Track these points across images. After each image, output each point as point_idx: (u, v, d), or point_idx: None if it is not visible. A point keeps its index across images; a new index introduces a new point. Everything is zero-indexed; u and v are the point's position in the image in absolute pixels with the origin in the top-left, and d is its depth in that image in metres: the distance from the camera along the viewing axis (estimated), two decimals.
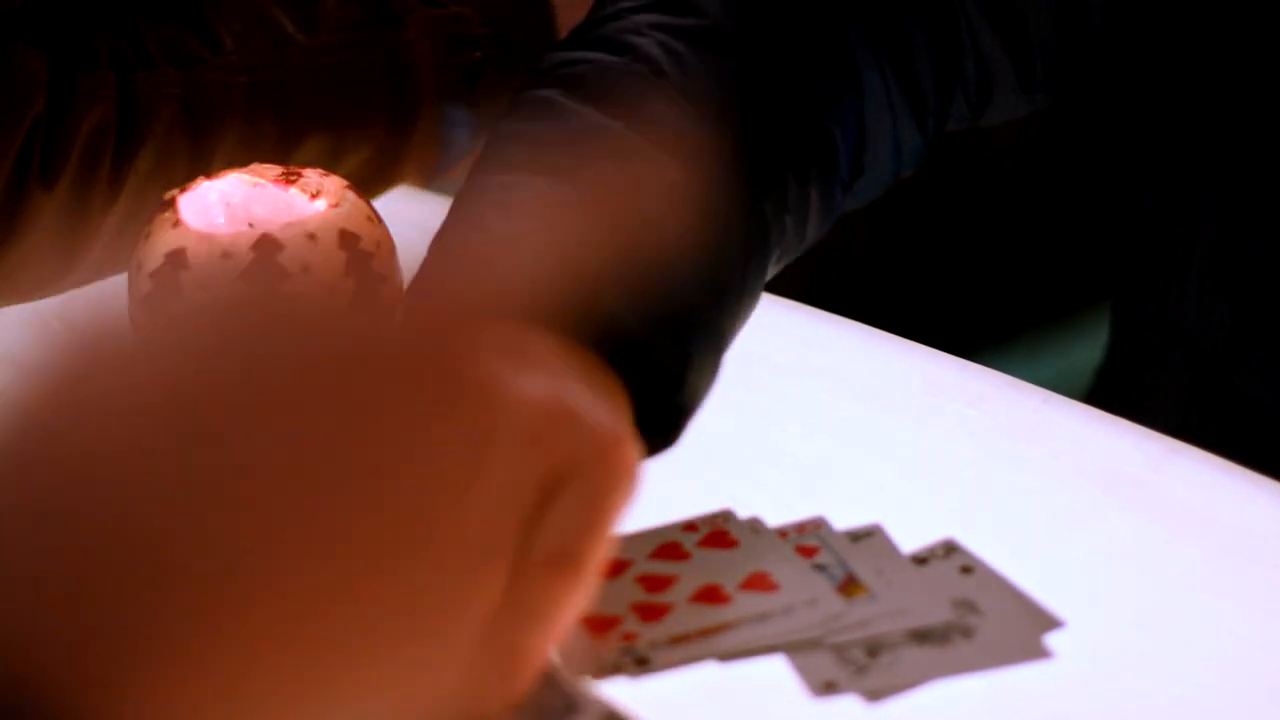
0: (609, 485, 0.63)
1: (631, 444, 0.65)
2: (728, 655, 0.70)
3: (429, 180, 0.98)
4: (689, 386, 0.72)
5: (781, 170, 0.79)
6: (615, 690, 0.69)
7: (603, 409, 0.66)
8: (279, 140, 0.93)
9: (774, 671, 0.70)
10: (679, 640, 0.71)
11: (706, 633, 0.71)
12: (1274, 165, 0.92)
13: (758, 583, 0.74)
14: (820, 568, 0.74)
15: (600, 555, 0.61)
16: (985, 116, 0.90)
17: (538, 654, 0.61)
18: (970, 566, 0.74)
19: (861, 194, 0.86)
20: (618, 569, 0.75)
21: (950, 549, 0.75)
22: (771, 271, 0.82)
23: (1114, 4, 0.88)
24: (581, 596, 0.60)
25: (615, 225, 0.72)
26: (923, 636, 0.71)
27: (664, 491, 0.78)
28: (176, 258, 0.81)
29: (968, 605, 0.72)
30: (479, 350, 0.64)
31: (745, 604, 0.72)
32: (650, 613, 0.73)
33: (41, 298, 0.92)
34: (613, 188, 0.73)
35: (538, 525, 0.61)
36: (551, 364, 0.66)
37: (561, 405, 0.64)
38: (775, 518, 0.77)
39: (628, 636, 0.71)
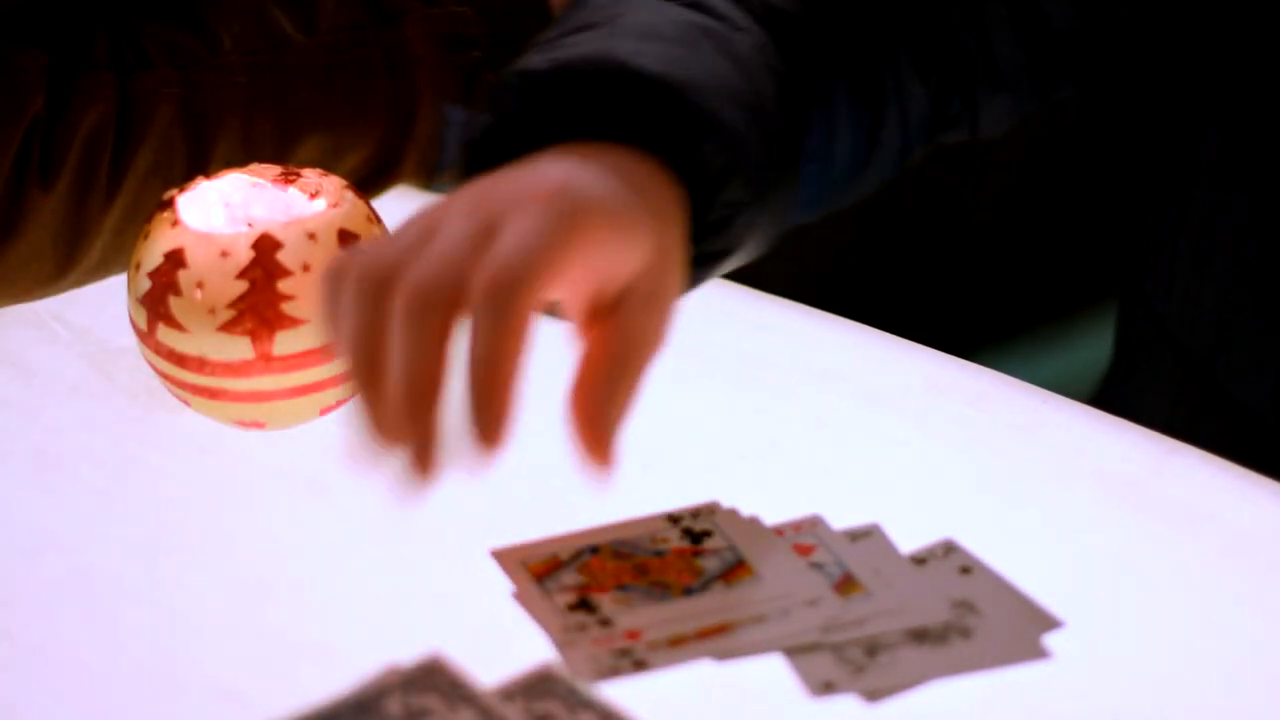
0: (555, 212, 0.64)
1: (653, 234, 0.65)
2: (725, 656, 0.70)
3: (428, 180, 0.98)
4: (731, 211, 0.72)
5: (862, 56, 0.81)
6: (615, 689, 0.69)
7: (639, 198, 0.66)
8: (278, 140, 0.93)
9: (773, 671, 0.70)
10: (677, 642, 0.71)
11: (704, 634, 0.71)
12: (1259, 165, 0.92)
13: (740, 572, 0.74)
14: (817, 566, 0.74)
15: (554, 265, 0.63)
16: (982, 115, 0.90)
17: (510, 366, 0.62)
18: (969, 566, 0.74)
19: (852, 191, 0.86)
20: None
21: (949, 549, 0.75)
22: (825, 186, 0.82)
23: (1075, 7, 0.88)
24: (536, 302, 0.63)
25: (681, 44, 0.73)
26: (921, 636, 0.71)
27: (664, 491, 0.78)
28: (175, 257, 0.81)
29: (966, 605, 0.72)
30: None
31: (741, 605, 0.72)
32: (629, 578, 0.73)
33: (41, 298, 0.92)
34: (651, 24, 0.74)
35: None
36: (615, 168, 0.66)
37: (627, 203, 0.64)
38: (774, 517, 0.77)
39: (631, 635, 0.71)
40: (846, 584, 0.73)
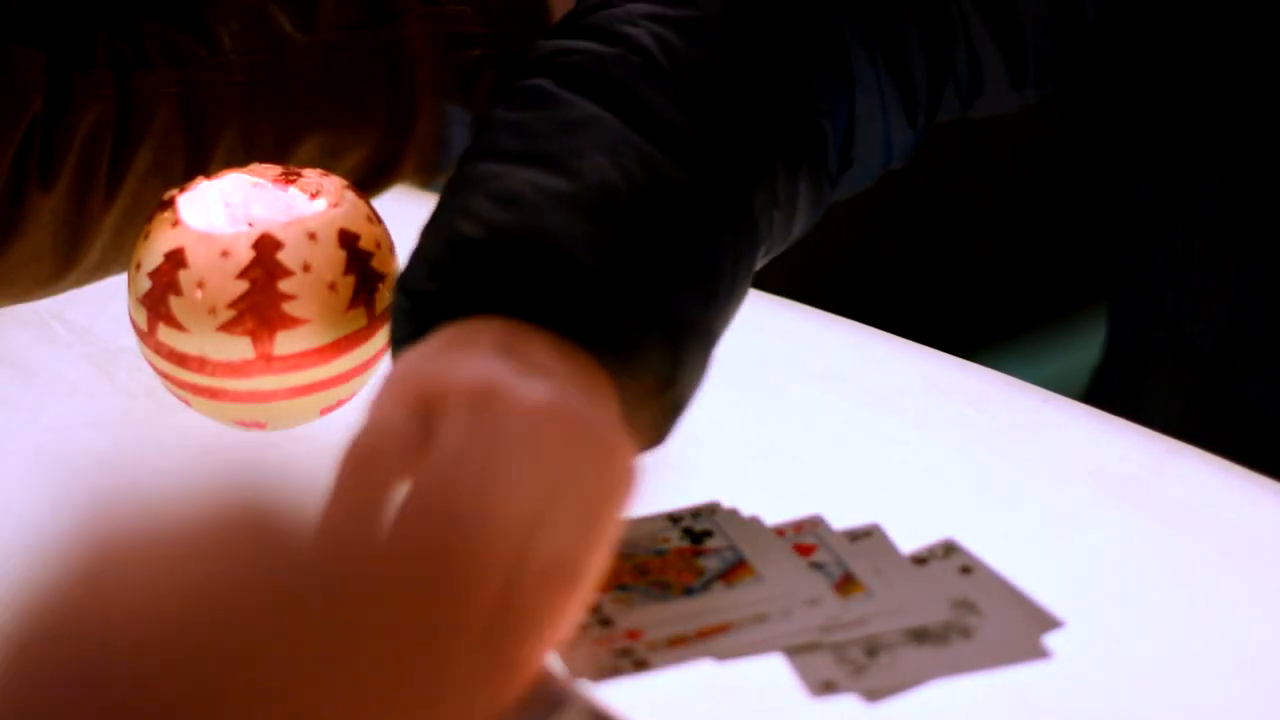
0: (607, 493, 0.64)
1: (630, 449, 0.65)
2: (725, 655, 0.70)
3: (428, 179, 0.98)
4: (679, 385, 0.72)
5: (771, 164, 0.79)
6: (613, 689, 0.69)
7: (600, 413, 0.66)
8: (277, 139, 0.93)
9: (773, 671, 0.70)
10: (677, 642, 0.71)
11: (704, 634, 0.71)
12: (1274, 165, 0.92)
13: (740, 571, 0.74)
14: (817, 566, 0.74)
15: (598, 565, 0.61)
16: (975, 109, 0.90)
17: (533, 663, 0.61)
18: (969, 566, 0.74)
19: (849, 187, 0.86)
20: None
21: (949, 549, 0.75)
22: (760, 263, 0.82)
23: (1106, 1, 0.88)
24: (578, 606, 0.61)
25: (603, 218, 0.72)
26: (921, 636, 0.71)
27: (663, 491, 0.78)
28: (176, 257, 0.81)
29: (967, 605, 0.72)
30: (481, 349, 0.64)
31: (741, 604, 0.72)
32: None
33: (41, 298, 0.92)
34: (603, 179, 0.73)
35: (534, 535, 0.61)
36: (549, 367, 0.67)
37: (565, 415, 0.64)
38: (774, 517, 0.77)
39: (631, 635, 0.71)
40: (847, 584, 0.73)
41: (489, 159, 0.75)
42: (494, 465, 0.63)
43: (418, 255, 0.73)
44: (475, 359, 0.66)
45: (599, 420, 0.66)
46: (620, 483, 0.66)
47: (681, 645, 0.70)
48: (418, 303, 0.72)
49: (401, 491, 0.64)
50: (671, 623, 0.71)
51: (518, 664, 0.62)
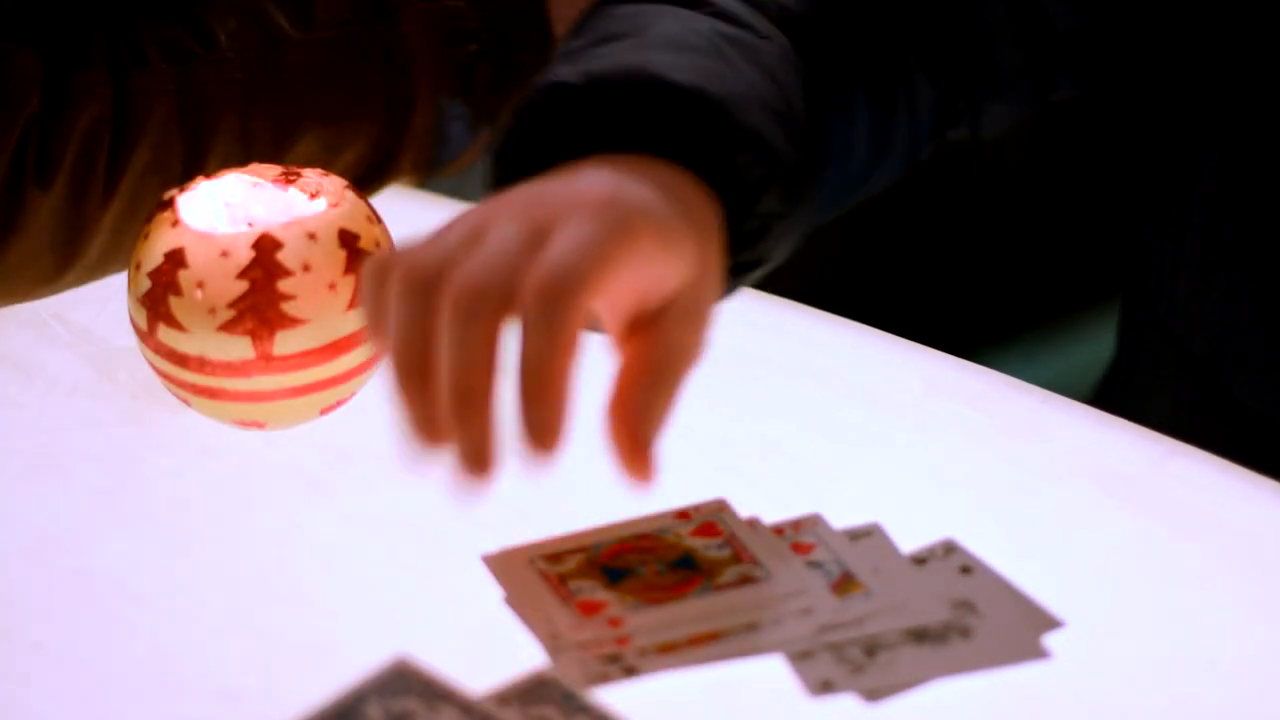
0: (708, 287, 0.67)
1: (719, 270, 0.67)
2: (718, 661, 0.70)
3: (426, 175, 0.98)
4: (765, 222, 0.72)
5: (888, 61, 0.82)
6: (609, 690, 0.69)
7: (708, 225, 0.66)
8: (275, 136, 0.93)
9: (771, 670, 0.70)
10: (667, 649, 0.70)
11: (696, 641, 0.71)
12: (1262, 168, 0.92)
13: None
14: (815, 565, 0.74)
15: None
16: (981, 124, 0.90)
17: (561, 372, 0.62)
18: (969, 566, 0.74)
19: (855, 191, 0.86)
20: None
21: (950, 549, 0.75)
22: (850, 179, 0.83)
23: (1080, 9, 0.88)
24: (584, 310, 0.63)
25: (716, 55, 0.73)
26: (921, 636, 0.71)
27: (663, 491, 0.78)
28: (175, 257, 0.81)
29: (966, 605, 0.72)
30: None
31: (736, 606, 0.72)
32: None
33: (40, 297, 0.92)
34: (716, 30, 0.74)
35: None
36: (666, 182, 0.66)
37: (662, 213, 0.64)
38: (774, 517, 0.77)
39: (619, 642, 0.71)
40: (845, 583, 0.73)
41: (563, 57, 0.75)
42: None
43: (516, 119, 0.73)
44: (599, 177, 0.67)
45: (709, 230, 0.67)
46: (714, 287, 0.68)
47: (672, 652, 0.70)
48: (513, 156, 0.71)
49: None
50: (663, 628, 0.71)
51: (547, 374, 0.62)
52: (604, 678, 0.69)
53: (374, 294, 0.64)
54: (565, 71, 0.72)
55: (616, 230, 0.64)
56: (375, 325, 0.65)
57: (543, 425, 0.61)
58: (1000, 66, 0.87)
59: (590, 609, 0.72)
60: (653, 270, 0.65)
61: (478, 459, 0.62)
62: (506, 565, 0.75)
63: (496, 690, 0.68)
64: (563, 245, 0.63)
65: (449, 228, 0.65)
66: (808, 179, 0.75)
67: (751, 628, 0.71)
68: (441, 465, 0.63)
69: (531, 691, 0.68)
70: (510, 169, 0.71)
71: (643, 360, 0.65)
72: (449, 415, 0.62)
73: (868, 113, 0.83)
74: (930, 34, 0.85)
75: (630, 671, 0.69)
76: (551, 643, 0.71)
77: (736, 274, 0.73)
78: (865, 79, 0.83)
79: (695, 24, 0.75)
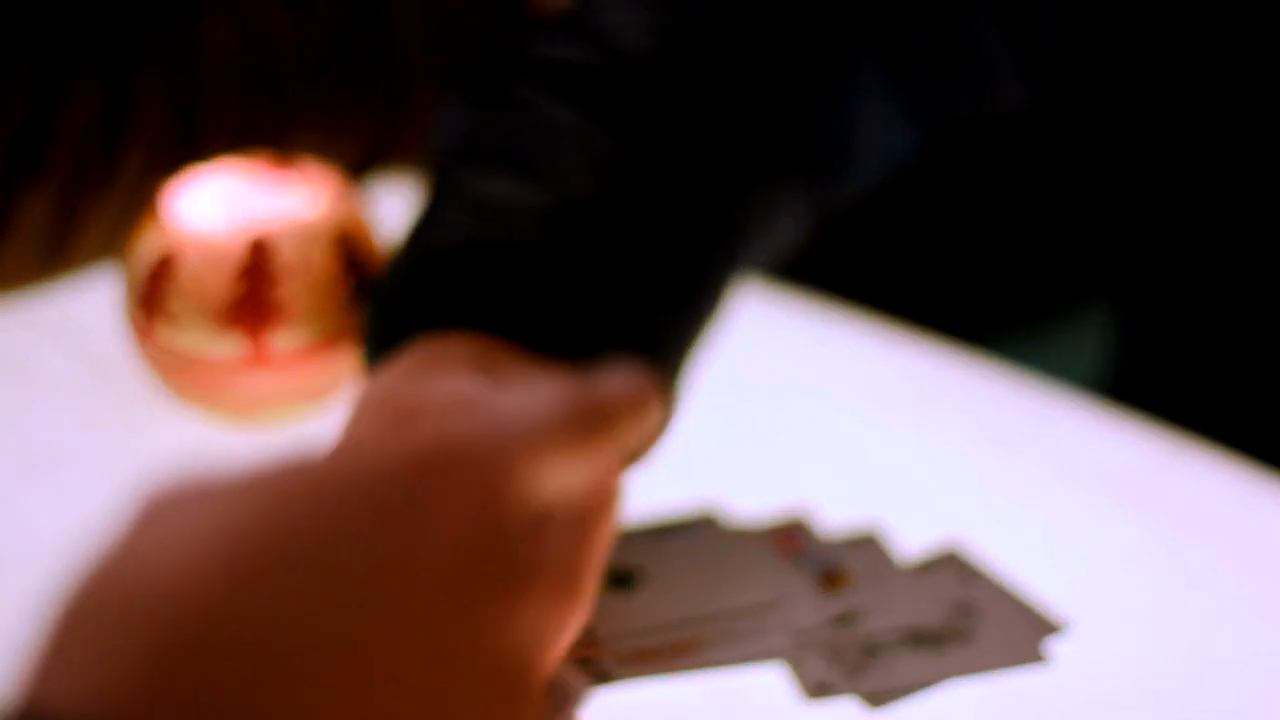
0: (597, 503, 0.63)
1: (615, 461, 0.65)
2: (691, 670, 0.70)
3: (420, 172, 0.98)
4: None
5: (758, 173, 0.78)
6: (608, 690, 0.69)
7: (584, 428, 0.65)
8: (270, 132, 0.93)
9: (767, 672, 0.70)
10: (644, 656, 0.70)
11: (676, 648, 0.70)
12: (1264, 169, 0.92)
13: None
14: (803, 561, 0.74)
15: (595, 573, 0.61)
16: (987, 109, 0.89)
17: (540, 673, 0.61)
18: (969, 568, 0.74)
19: (851, 190, 0.86)
20: None
21: (949, 550, 0.75)
22: (747, 272, 0.81)
23: (1071, 19, 0.88)
24: (575, 617, 0.60)
25: (577, 230, 0.72)
26: (919, 639, 0.71)
27: (660, 491, 0.77)
28: (171, 255, 0.81)
29: (966, 608, 0.72)
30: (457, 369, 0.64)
31: (719, 608, 0.71)
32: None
33: (34, 296, 0.92)
34: (577, 190, 0.73)
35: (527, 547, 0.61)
36: (524, 380, 0.66)
37: (552, 431, 0.64)
38: (772, 517, 0.77)
39: (592, 647, 0.70)
40: (834, 579, 0.73)
41: (466, 166, 0.75)
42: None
43: (392, 266, 0.73)
44: (451, 377, 0.66)
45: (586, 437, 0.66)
46: (609, 493, 0.65)
47: (648, 661, 0.70)
48: (390, 314, 0.71)
49: None
50: (638, 635, 0.70)
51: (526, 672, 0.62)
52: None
53: None
54: (443, 237, 0.71)
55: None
56: None
57: None
58: (991, 61, 0.87)
59: None
60: None
61: None
62: None
63: None
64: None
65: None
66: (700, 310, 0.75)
67: (730, 636, 0.71)
68: None
69: None
70: (385, 332, 0.71)
71: None
72: None
73: (884, 96, 0.83)
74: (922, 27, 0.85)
75: (605, 678, 0.69)
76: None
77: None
78: (874, 42, 0.83)
79: (603, 162, 0.74)
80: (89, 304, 0.93)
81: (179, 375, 0.81)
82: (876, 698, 0.68)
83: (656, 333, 0.72)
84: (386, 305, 0.72)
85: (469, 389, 0.65)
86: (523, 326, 0.69)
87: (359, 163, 0.95)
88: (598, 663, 0.69)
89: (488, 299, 0.70)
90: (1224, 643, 0.72)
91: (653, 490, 0.78)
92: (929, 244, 2.00)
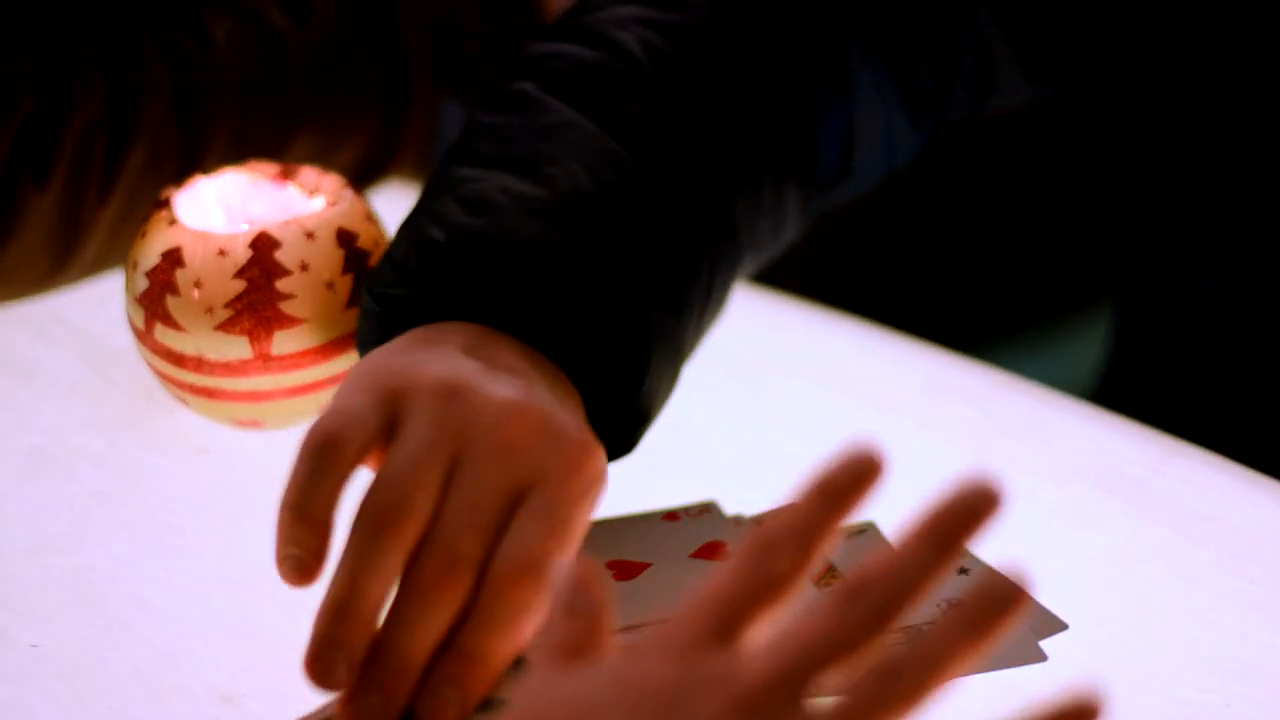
0: (576, 493, 0.64)
1: (598, 452, 0.65)
2: None
3: (423, 175, 0.98)
4: (645, 395, 0.72)
5: (756, 171, 0.78)
6: None
7: (568, 415, 0.66)
8: (272, 136, 0.93)
9: None
10: None
11: None
12: (1263, 168, 0.92)
13: (710, 551, 0.74)
14: None
15: (564, 562, 0.61)
16: (988, 105, 0.89)
17: (500, 660, 0.61)
18: (966, 567, 0.74)
19: (851, 190, 0.86)
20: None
21: None
22: (745, 273, 0.81)
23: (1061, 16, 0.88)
24: (544, 603, 0.61)
25: (573, 225, 0.72)
26: (914, 636, 0.70)
27: (659, 490, 0.77)
28: (173, 256, 0.81)
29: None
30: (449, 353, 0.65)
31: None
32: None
33: (37, 298, 0.92)
34: (574, 186, 0.73)
35: (503, 533, 0.61)
36: (517, 369, 0.67)
37: (531, 413, 0.64)
38: None
39: None
40: (826, 574, 0.73)
41: (464, 163, 0.75)
42: (459, 459, 0.63)
43: (387, 258, 0.73)
44: (442, 357, 0.66)
45: (565, 421, 0.66)
46: (588, 483, 0.66)
47: None
48: (385, 306, 0.72)
49: (362, 477, 0.65)
50: (627, 631, 0.70)
51: (487, 662, 0.62)
52: None
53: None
54: (438, 230, 0.72)
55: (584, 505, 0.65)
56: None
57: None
58: (989, 54, 0.87)
59: None
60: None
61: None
62: None
63: None
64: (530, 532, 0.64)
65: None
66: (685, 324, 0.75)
67: None
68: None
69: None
70: (389, 321, 0.72)
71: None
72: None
73: (879, 92, 0.83)
74: (921, 17, 0.85)
75: None
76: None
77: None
78: (862, 36, 0.83)
79: (602, 159, 0.74)
80: (89, 304, 0.93)
81: (180, 376, 0.81)
82: None
83: (651, 329, 0.72)
84: (380, 296, 0.72)
85: (460, 370, 0.65)
86: (517, 319, 0.69)
87: (360, 163, 0.95)
88: None
89: (482, 290, 0.70)
90: (1220, 640, 0.72)
91: (652, 488, 0.78)
92: (927, 254, 2.00)
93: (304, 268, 0.80)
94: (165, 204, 0.82)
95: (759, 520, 0.75)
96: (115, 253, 0.91)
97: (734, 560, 0.54)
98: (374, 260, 0.82)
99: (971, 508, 0.54)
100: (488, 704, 0.67)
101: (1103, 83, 0.96)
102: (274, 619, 0.75)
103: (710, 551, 0.74)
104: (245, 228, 0.82)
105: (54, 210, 0.89)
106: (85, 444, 0.85)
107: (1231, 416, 0.97)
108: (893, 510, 0.77)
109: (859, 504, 0.55)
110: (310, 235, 0.81)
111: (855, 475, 0.55)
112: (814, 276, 1.37)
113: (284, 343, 0.80)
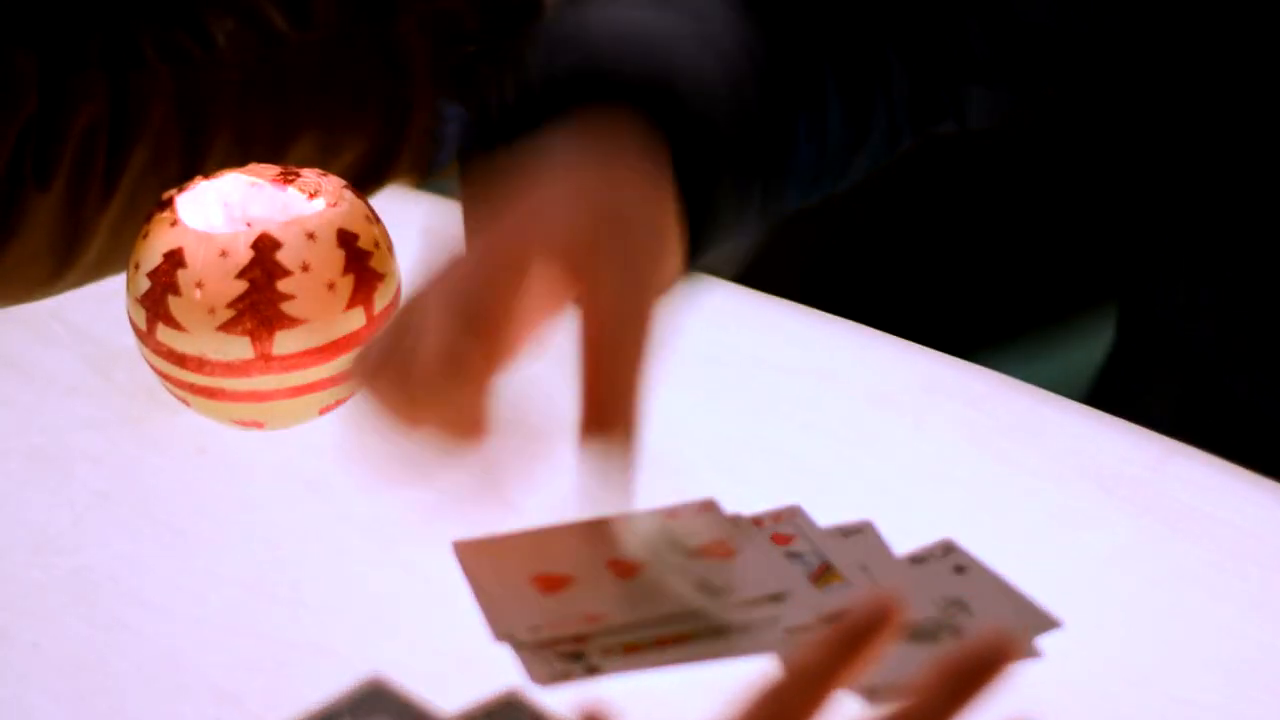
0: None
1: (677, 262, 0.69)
2: (680, 663, 0.70)
3: (423, 176, 0.98)
4: (719, 223, 0.74)
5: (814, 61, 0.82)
6: (600, 685, 0.69)
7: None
8: (273, 137, 0.93)
9: (762, 665, 0.70)
10: (632, 649, 0.70)
11: (661, 643, 0.70)
12: (1262, 168, 0.92)
13: (716, 550, 0.74)
14: (794, 555, 0.74)
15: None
16: (966, 116, 0.90)
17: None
18: (964, 566, 0.74)
19: (833, 187, 0.87)
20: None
21: (947, 549, 0.75)
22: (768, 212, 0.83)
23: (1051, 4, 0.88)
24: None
25: (706, 43, 0.74)
26: (912, 634, 0.71)
27: (659, 490, 0.78)
28: (174, 257, 0.81)
29: (958, 604, 0.72)
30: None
31: (704, 609, 0.71)
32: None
33: (39, 298, 0.92)
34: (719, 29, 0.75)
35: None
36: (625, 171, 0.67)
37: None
38: None
39: (578, 640, 0.70)
40: (825, 574, 0.73)
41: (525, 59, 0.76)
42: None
43: (536, 43, 0.75)
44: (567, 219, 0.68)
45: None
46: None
47: (636, 654, 0.70)
48: (548, 79, 0.73)
49: None
50: (624, 631, 0.70)
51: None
52: (566, 676, 0.69)
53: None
54: (518, 81, 0.73)
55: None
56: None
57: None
58: (975, 56, 0.87)
59: (553, 584, 0.72)
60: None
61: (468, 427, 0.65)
62: (475, 553, 0.74)
63: (466, 710, 0.68)
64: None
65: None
66: (760, 163, 0.76)
67: (719, 632, 0.70)
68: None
69: (499, 711, 0.68)
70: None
71: (601, 330, 0.66)
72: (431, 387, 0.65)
73: (839, 98, 0.83)
74: (900, 18, 0.85)
75: (593, 671, 0.69)
76: (510, 640, 0.70)
77: (697, 250, 0.74)
78: (835, 63, 0.83)
79: (651, 22, 0.76)
80: (90, 304, 0.93)
81: (182, 376, 0.82)
82: (871, 692, 0.68)
83: (734, 183, 0.73)
84: (542, 73, 0.73)
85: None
86: (671, 126, 0.71)
87: (362, 164, 0.96)
88: (586, 656, 0.70)
89: (651, 88, 0.71)
90: (1215, 640, 0.73)
91: (651, 487, 0.78)
92: (927, 257, 2.00)
93: (305, 268, 0.80)
94: (167, 205, 0.83)
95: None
96: (117, 254, 0.91)
97: (751, 698, 0.56)
98: (375, 261, 0.82)
99: (985, 661, 0.57)
100: (578, 656, 0.68)
101: (1102, 92, 0.96)
102: (274, 619, 0.75)
103: (710, 550, 0.74)
104: (246, 228, 0.82)
105: (56, 211, 0.89)
106: (85, 444, 0.85)
107: (1230, 418, 0.97)
108: (895, 510, 0.77)
109: (875, 650, 0.56)
110: (311, 236, 0.81)
111: (873, 620, 0.57)
112: (814, 279, 1.38)
113: (285, 343, 0.80)
